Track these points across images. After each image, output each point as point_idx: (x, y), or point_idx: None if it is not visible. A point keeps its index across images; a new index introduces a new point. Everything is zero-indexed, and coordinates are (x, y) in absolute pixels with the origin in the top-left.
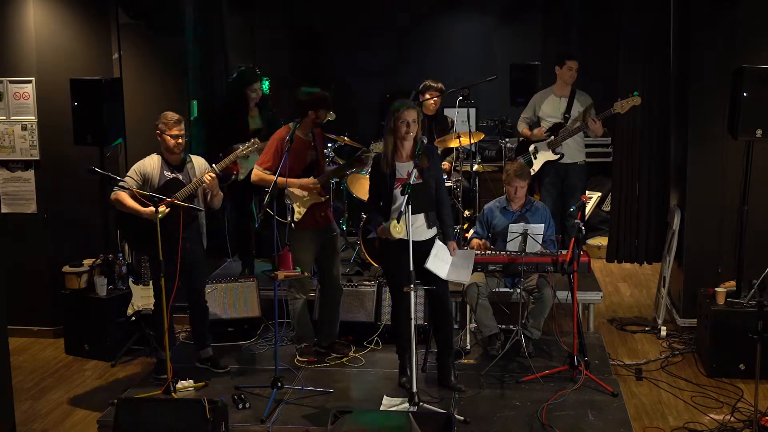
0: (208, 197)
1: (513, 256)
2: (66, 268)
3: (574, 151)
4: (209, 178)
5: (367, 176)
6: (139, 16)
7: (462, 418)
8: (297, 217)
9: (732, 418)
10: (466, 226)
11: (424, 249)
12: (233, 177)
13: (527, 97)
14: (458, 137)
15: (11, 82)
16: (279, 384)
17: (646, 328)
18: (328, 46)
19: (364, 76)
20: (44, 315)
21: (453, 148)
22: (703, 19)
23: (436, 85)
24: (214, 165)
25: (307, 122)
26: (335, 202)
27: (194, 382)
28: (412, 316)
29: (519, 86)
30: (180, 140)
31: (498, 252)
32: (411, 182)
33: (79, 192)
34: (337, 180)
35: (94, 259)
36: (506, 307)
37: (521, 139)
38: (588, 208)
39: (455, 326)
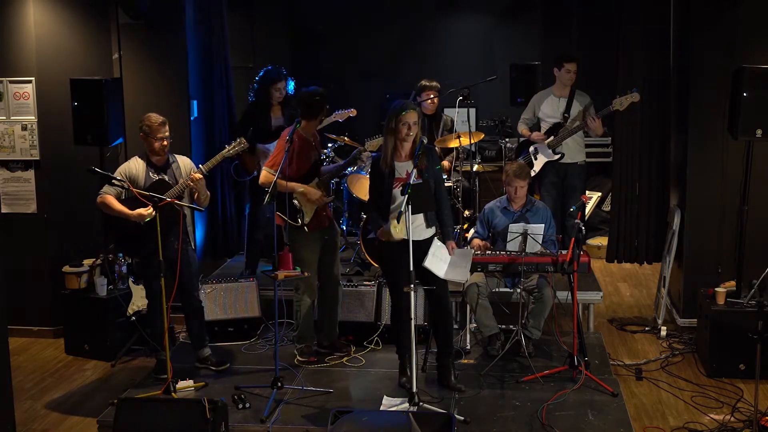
0: (195, 197)
1: (513, 256)
2: (66, 268)
3: (574, 151)
4: (196, 178)
5: (368, 176)
6: (139, 16)
7: (462, 418)
8: (306, 219)
9: (732, 418)
10: (466, 226)
11: (423, 248)
12: (254, 174)
13: (527, 97)
14: (458, 137)
15: (11, 82)
16: (279, 384)
17: (646, 328)
18: (328, 46)
19: (364, 76)
20: (44, 315)
21: (453, 148)
22: (703, 19)
23: (431, 84)
24: (200, 165)
25: (315, 123)
26: (335, 203)
27: (194, 382)
28: (412, 316)
29: (519, 86)
30: (165, 142)
31: (498, 252)
32: (411, 182)
33: (79, 192)
34: (337, 180)
35: (94, 259)
36: (506, 307)
37: (521, 139)
38: (588, 208)
39: (455, 326)
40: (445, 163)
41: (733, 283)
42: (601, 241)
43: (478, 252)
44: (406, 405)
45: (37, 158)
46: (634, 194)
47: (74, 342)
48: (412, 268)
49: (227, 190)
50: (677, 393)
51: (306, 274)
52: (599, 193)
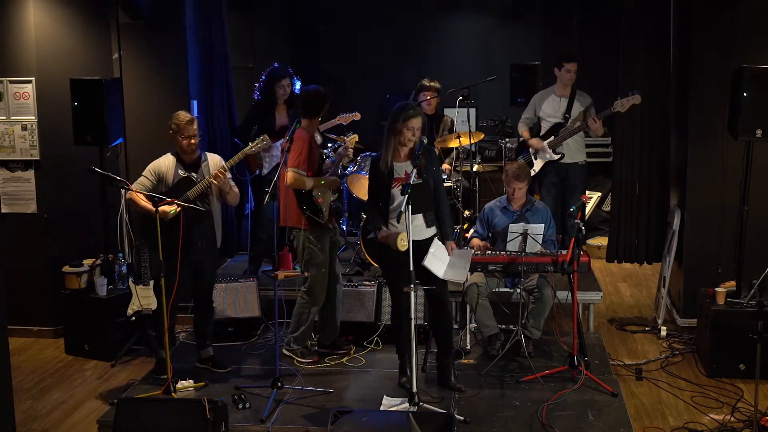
0: (224, 195)
1: (513, 256)
2: (66, 268)
3: (574, 151)
4: (215, 175)
5: (367, 176)
6: (139, 16)
7: (462, 418)
8: (326, 216)
9: (732, 418)
10: (466, 226)
11: (422, 248)
12: (257, 173)
13: (527, 97)
14: (458, 137)
15: (11, 82)
16: (279, 384)
17: (646, 328)
18: (328, 46)
19: (364, 76)
20: (44, 315)
21: (453, 148)
22: (703, 19)
23: (431, 84)
24: (224, 163)
25: (316, 121)
26: (335, 203)
27: (194, 382)
28: (412, 316)
29: (519, 86)
30: (193, 140)
31: (498, 252)
32: (411, 182)
33: (79, 192)
34: None
35: (94, 259)
36: (506, 307)
37: (521, 139)
38: (588, 208)
39: (455, 326)
40: (446, 165)
41: (733, 283)
42: (601, 241)
43: (478, 252)
44: (406, 405)
45: (37, 158)
46: (634, 194)
47: (74, 342)
48: (412, 268)
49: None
50: (677, 393)
51: (306, 274)
52: (599, 193)
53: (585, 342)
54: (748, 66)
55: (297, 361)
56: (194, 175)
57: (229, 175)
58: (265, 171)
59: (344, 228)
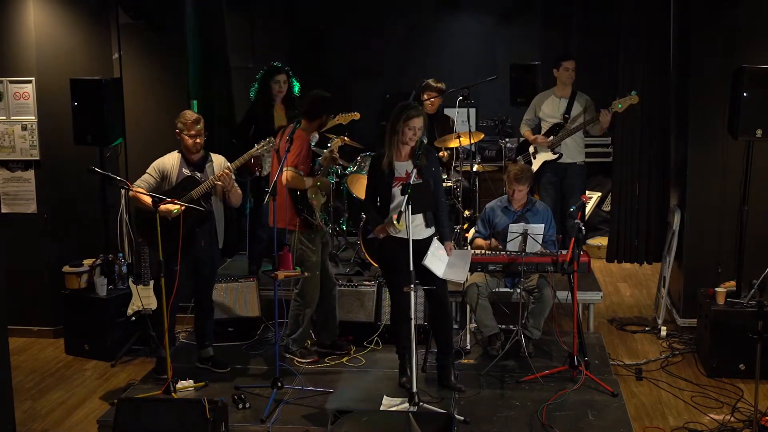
0: (227, 195)
1: (513, 256)
2: (66, 268)
3: (573, 151)
4: (220, 176)
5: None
6: (139, 16)
7: (462, 418)
8: (318, 218)
9: (732, 418)
10: (466, 226)
11: (422, 248)
12: (256, 173)
13: (527, 97)
14: (458, 137)
15: (11, 82)
16: (279, 384)
17: (646, 328)
18: (328, 46)
19: (365, 77)
20: (44, 315)
21: (453, 147)
22: (703, 19)
23: (435, 85)
24: (229, 164)
25: (314, 125)
26: (335, 203)
27: (194, 382)
28: (412, 316)
29: (519, 86)
30: (198, 140)
31: (498, 252)
32: (411, 182)
33: (79, 192)
34: (337, 180)
35: (94, 259)
36: (506, 307)
37: (522, 139)
38: (588, 208)
39: (455, 326)
40: (444, 152)
41: (733, 283)
42: (601, 241)
43: (482, 252)
44: (406, 405)
45: (37, 158)
46: (634, 194)
47: (74, 342)
48: (412, 268)
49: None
50: (677, 393)
51: (306, 274)
52: (599, 193)
53: (585, 342)
54: (748, 66)
55: (297, 361)
56: (198, 174)
57: (232, 176)
58: (265, 172)
59: (344, 228)
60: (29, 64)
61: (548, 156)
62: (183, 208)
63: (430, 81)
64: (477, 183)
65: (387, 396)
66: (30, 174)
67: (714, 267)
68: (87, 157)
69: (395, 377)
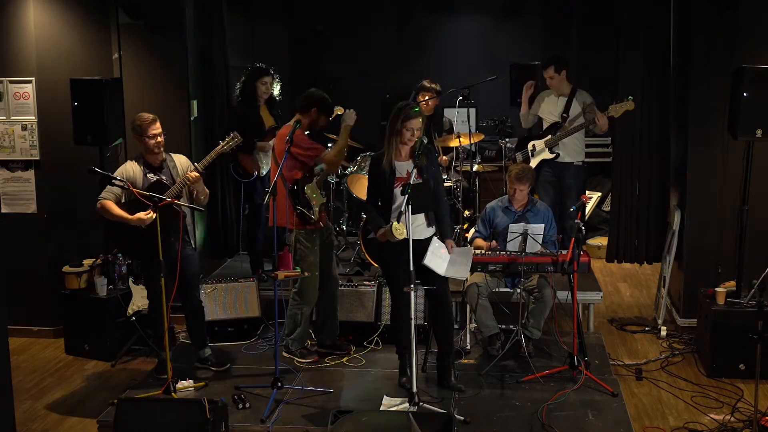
0: (194, 195)
1: (513, 256)
2: (66, 268)
3: (571, 151)
4: (193, 177)
5: (366, 175)
6: (139, 16)
7: (462, 418)
8: (315, 215)
9: (732, 418)
10: (466, 226)
11: (423, 248)
12: (255, 174)
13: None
14: (458, 137)
15: (11, 82)
16: (279, 384)
17: (646, 328)
18: (328, 46)
19: (364, 77)
20: (44, 315)
21: (452, 148)
22: (703, 19)
23: (431, 86)
24: (196, 164)
25: (307, 120)
26: (335, 202)
27: (194, 382)
28: (412, 316)
29: (519, 86)
30: (159, 139)
31: (498, 252)
32: (411, 182)
33: (79, 192)
34: (337, 180)
35: (94, 259)
36: (506, 307)
37: (522, 135)
38: (588, 208)
39: (455, 326)
40: (444, 157)
41: (733, 283)
42: (601, 241)
43: (483, 252)
44: (406, 405)
45: (37, 158)
46: (634, 194)
47: (74, 342)
48: (412, 268)
49: (227, 189)
50: (677, 393)
51: (306, 274)
52: (599, 193)
53: (585, 342)
54: (748, 66)
55: (297, 361)
56: (163, 177)
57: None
58: (263, 172)
59: (344, 228)
60: (29, 64)
61: (546, 155)
62: (156, 214)
63: (425, 82)
64: (477, 183)
65: (387, 396)
66: (30, 174)
67: (714, 267)
68: (87, 157)
69: (395, 377)
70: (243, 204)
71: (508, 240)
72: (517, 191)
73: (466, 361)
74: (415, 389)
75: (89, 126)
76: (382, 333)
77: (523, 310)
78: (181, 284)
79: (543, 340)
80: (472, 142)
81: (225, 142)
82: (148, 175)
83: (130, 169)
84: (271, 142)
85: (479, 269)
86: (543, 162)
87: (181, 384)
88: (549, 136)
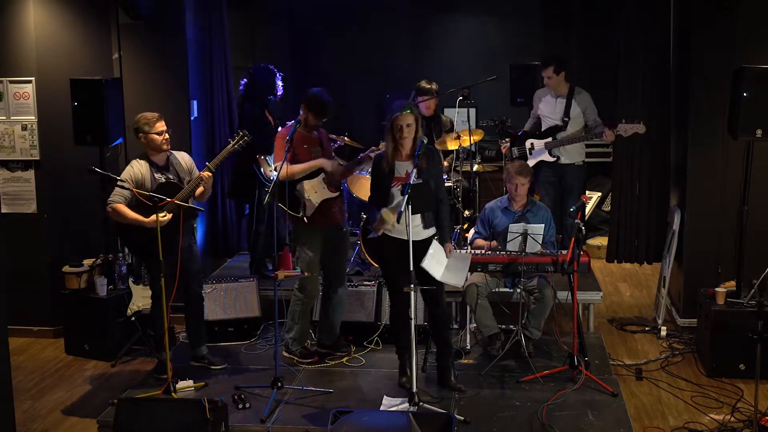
0: (197, 194)
1: (513, 256)
2: (66, 268)
3: (571, 152)
4: (206, 176)
5: (368, 176)
6: (139, 16)
7: (462, 418)
8: (309, 211)
9: (732, 418)
10: (466, 226)
11: (420, 248)
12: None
13: (527, 97)
14: (458, 137)
15: (11, 82)
16: (279, 384)
17: (646, 328)
18: (328, 46)
19: (364, 76)
20: (44, 315)
21: (451, 151)
22: (703, 19)
23: (427, 86)
24: (208, 163)
25: (303, 119)
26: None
27: (194, 382)
28: (412, 316)
29: (519, 86)
30: (166, 135)
31: (498, 252)
32: (411, 182)
33: (79, 192)
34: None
35: (94, 259)
36: (506, 307)
37: (519, 132)
38: (588, 208)
39: (455, 326)
40: (445, 162)
41: (733, 283)
42: (601, 241)
43: (483, 252)
44: (406, 405)
45: (37, 158)
46: (634, 194)
47: (74, 342)
48: (412, 268)
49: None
50: (677, 393)
51: (306, 273)
52: (599, 193)
53: (585, 342)
54: (748, 66)
55: (297, 361)
56: (171, 176)
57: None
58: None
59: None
60: (29, 64)
61: (546, 158)
62: (171, 214)
63: (422, 83)
64: (477, 183)
65: (387, 396)
66: (30, 174)
67: (714, 267)
68: (87, 157)
69: (395, 377)
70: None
71: (508, 240)
72: (518, 186)
73: (466, 361)
74: (415, 389)
75: (89, 126)
76: (382, 333)
77: (523, 310)
78: (189, 281)
79: (543, 340)
80: (472, 142)
81: (235, 140)
82: (156, 174)
83: (138, 169)
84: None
85: (479, 269)
86: (543, 162)
87: (181, 384)
88: (549, 139)
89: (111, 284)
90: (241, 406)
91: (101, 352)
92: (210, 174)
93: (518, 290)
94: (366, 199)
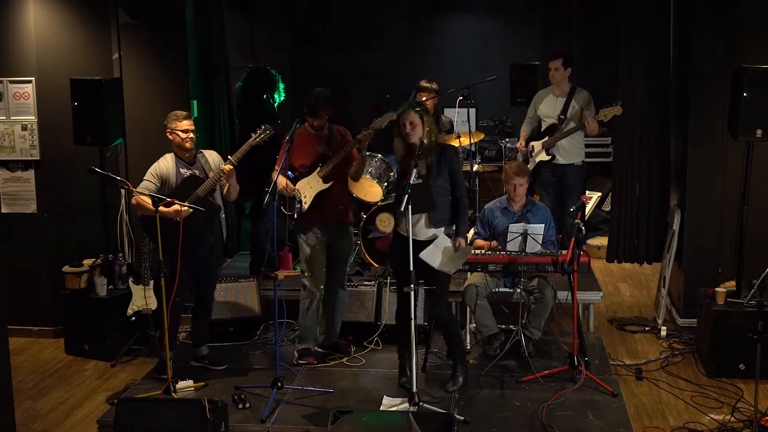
0: (224, 190)
1: (513, 256)
2: (66, 268)
3: (569, 152)
4: (227, 169)
5: (367, 176)
6: (139, 16)
7: (462, 418)
8: (304, 207)
9: (732, 418)
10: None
11: (423, 248)
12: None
13: (527, 97)
14: (458, 137)
15: (11, 82)
16: (279, 384)
17: (646, 328)
18: (328, 46)
19: (364, 77)
20: (44, 315)
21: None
22: (703, 19)
23: (429, 85)
24: (230, 157)
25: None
26: None
27: (194, 382)
28: (412, 316)
29: (519, 86)
30: (191, 134)
31: (498, 252)
32: (411, 182)
33: (79, 192)
34: None
35: (94, 259)
36: (506, 307)
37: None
38: (588, 208)
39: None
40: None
41: (733, 283)
42: (601, 241)
43: (483, 252)
44: (406, 405)
45: (37, 158)
46: (634, 194)
47: (74, 342)
48: (412, 268)
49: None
50: (677, 393)
51: (306, 273)
52: (599, 193)
53: (585, 342)
54: (748, 66)
55: (296, 360)
56: (196, 172)
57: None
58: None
59: None
60: (29, 64)
61: (542, 157)
62: (191, 211)
63: (422, 82)
64: (477, 183)
65: (387, 396)
66: (30, 174)
67: (714, 267)
68: (87, 157)
69: (395, 377)
70: (244, 203)
71: (508, 240)
72: (517, 186)
73: None
74: (415, 389)
75: (89, 126)
76: (382, 333)
77: (523, 311)
78: (206, 282)
79: (543, 340)
80: (472, 142)
81: (257, 134)
82: (181, 170)
83: (164, 165)
84: None
85: (479, 269)
86: (543, 163)
87: (181, 384)
88: (546, 138)
89: (111, 284)
90: (241, 406)
91: (101, 352)
92: (232, 168)
93: (518, 290)
94: (366, 199)
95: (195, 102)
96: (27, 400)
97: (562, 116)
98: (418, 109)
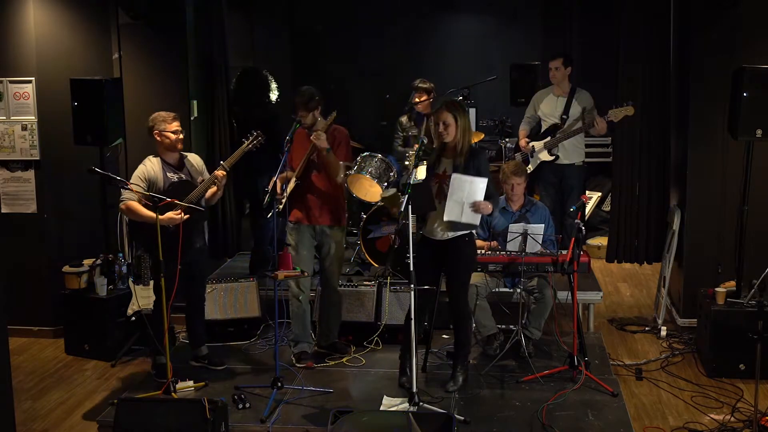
0: (211, 195)
1: (513, 256)
2: (66, 268)
3: (570, 152)
4: (221, 175)
5: (367, 176)
6: (139, 16)
7: (462, 418)
8: (278, 207)
9: (732, 418)
10: None
11: (440, 249)
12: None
13: (527, 97)
14: None
15: (11, 82)
16: (279, 384)
17: (646, 328)
18: (328, 46)
19: (364, 77)
20: (44, 315)
21: None
22: (703, 19)
23: (424, 85)
24: (222, 162)
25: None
26: None
27: (194, 382)
28: (412, 316)
29: (519, 86)
30: (180, 135)
31: (498, 252)
32: (411, 182)
33: (79, 192)
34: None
35: (94, 259)
36: (506, 307)
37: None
38: (588, 208)
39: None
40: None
41: (733, 283)
42: (601, 241)
43: (483, 251)
44: (406, 405)
45: (37, 158)
46: (634, 194)
47: (74, 342)
48: (412, 268)
49: (227, 189)
50: (677, 393)
51: (306, 274)
52: (599, 193)
53: (585, 342)
54: (748, 66)
55: (294, 361)
56: (183, 176)
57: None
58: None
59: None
60: (29, 64)
61: (545, 157)
62: (187, 216)
63: (417, 82)
64: None
65: (387, 396)
66: (30, 174)
67: (714, 267)
68: (87, 157)
69: (395, 377)
70: (244, 203)
71: (507, 240)
72: (515, 186)
73: None
74: (415, 389)
75: (89, 126)
76: (382, 333)
77: (523, 311)
78: (195, 283)
79: (543, 340)
80: (473, 142)
81: (249, 141)
82: (168, 173)
83: (150, 167)
84: None
85: (479, 269)
86: (543, 163)
87: (181, 384)
88: (548, 138)
89: (111, 284)
90: (241, 406)
91: (101, 352)
92: (224, 173)
93: (518, 290)
94: (366, 199)
95: (195, 102)
96: (27, 400)
97: (564, 116)
98: (451, 108)
